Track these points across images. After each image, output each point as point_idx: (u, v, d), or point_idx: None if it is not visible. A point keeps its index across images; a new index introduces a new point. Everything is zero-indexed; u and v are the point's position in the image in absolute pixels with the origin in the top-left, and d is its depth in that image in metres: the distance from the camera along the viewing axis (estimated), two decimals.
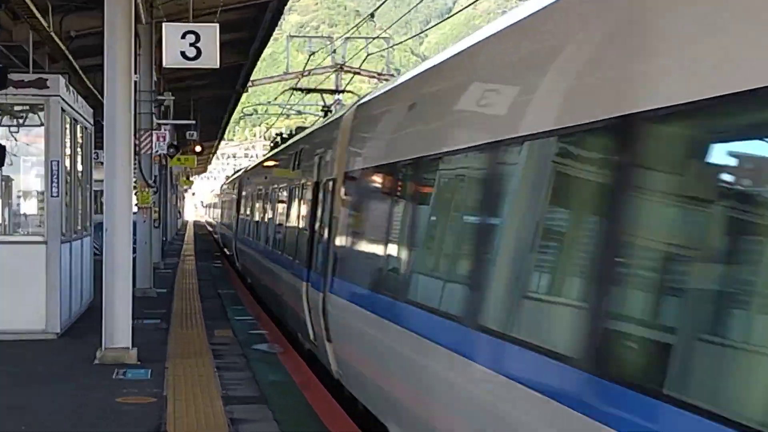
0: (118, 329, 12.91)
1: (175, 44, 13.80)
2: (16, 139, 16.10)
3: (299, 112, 56.57)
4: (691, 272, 4.19)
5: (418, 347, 7.44)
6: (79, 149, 17.34)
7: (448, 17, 42.07)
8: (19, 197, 16.83)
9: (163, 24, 14.37)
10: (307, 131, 18.25)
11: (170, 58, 13.88)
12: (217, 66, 14.09)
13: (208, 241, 53.35)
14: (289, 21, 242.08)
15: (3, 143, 15.60)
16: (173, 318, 17.82)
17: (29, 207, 16.77)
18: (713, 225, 4.04)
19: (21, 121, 16.36)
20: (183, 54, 13.79)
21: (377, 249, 9.33)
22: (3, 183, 16.19)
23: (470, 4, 32.03)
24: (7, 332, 14.28)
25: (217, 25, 14.27)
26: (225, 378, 12.15)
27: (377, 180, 9.86)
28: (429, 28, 60.32)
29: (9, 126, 16.16)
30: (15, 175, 16.55)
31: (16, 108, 16.00)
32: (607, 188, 4.75)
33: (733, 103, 3.78)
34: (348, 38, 39.05)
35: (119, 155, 13.05)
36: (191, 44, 13.76)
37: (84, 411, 10.13)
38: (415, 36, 56.82)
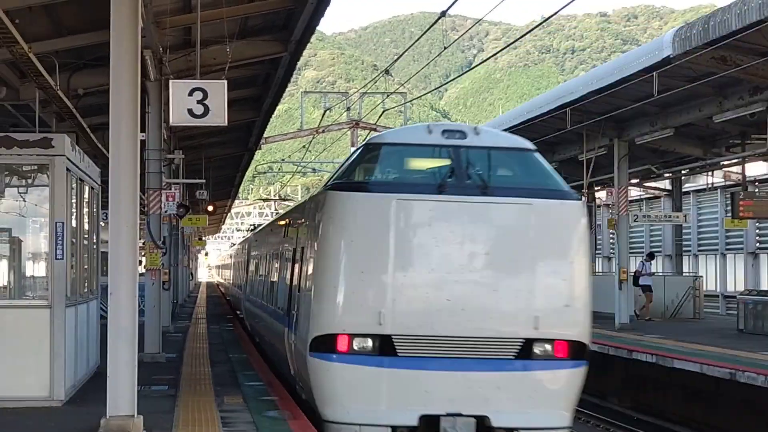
0: (122, 396, 12.40)
1: (182, 101, 13.46)
2: (24, 200, 15.80)
3: (314, 170, 56.49)
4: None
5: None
6: (85, 210, 17.01)
7: (468, 71, 41.77)
8: (28, 259, 16.44)
9: (170, 81, 14.01)
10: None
11: (177, 116, 13.53)
12: (226, 123, 13.72)
13: (220, 304, 53.08)
14: (305, 76, 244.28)
15: (10, 204, 15.47)
16: (182, 384, 17.34)
17: (38, 269, 16.38)
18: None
19: (29, 181, 16.04)
20: (190, 111, 13.43)
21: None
22: (11, 245, 15.85)
23: (490, 57, 31.84)
24: (10, 399, 13.86)
25: (225, 81, 13.91)
26: None
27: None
28: (448, 82, 60.26)
29: (18, 186, 15.85)
30: (23, 236, 16.19)
31: (24, 168, 15.68)
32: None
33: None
34: (364, 93, 38.86)
35: (124, 215, 12.63)
36: (198, 101, 13.42)
37: None
38: (434, 90, 56.62)
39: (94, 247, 18.08)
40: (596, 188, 40.03)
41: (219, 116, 13.48)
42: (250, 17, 21.74)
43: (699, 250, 45.86)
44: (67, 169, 14.67)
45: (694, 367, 20.37)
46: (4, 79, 18.42)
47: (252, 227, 49.56)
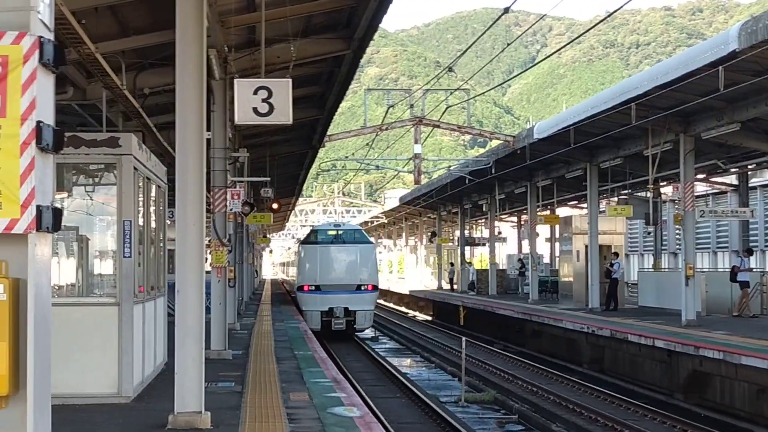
0: (190, 393, 12.53)
1: (247, 100, 13.52)
2: (91, 199, 15.90)
3: (378, 167, 56.57)
4: None
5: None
6: (152, 208, 17.13)
7: (532, 66, 41.51)
8: (94, 258, 16.57)
9: (235, 80, 14.07)
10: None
11: (242, 115, 13.59)
12: (290, 122, 13.76)
13: (285, 301, 53.48)
14: (367, 74, 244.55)
15: (78, 203, 15.61)
16: (248, 381, 17.42)
17: (105, 267, 16.51)
18: None
19: (96, 180, 16.16)
20: (255, 110, 13.49)
21: None
22: (79, 243, 15.98)
23: (554, 53, 31.63)
24: (79, 396, 13.97)
25: (290, 80, 13.96)
26: None
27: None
28: (511, 78, 60.03)
29: (84, 185, 15.98)
30: (91, 234, 16.31)
31: (91, 167, 15.80)
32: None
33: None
34: (427, 90, 38.76)
35: (191, 214, 12.75)
36: (263, 100, 13.47)
37: None
38: (497, 87, 56.38)
39: (161, 245, 18.19)
40: (662, 184, 39.60)
41: (284, 114, 13.52)
42: (313, 15, 21.77)
43: (766, 246, 45.22)
44: (135, 167, 14.78)
45: (762, 364, 20.09)
46: (71, 79, 18.56)
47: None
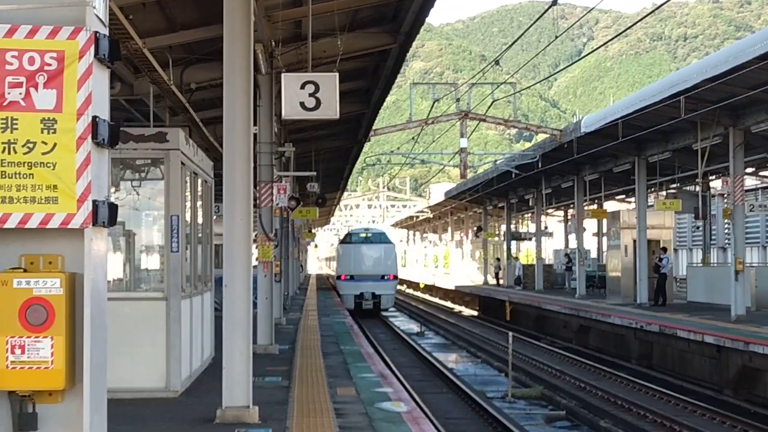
0: (238, 387, 12.54)
1: (294, 95, 13.49)
2: (138, 194, 15.94)
3: (423, 162, 56.45)
4: None
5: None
6: (199, 203, 17.16)
7: (578, 60, 41.29)
8: (141, 252, 16.63)
9: (282, 74, 14.06)
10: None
11: (289, 109, 13.56)
12: (337, 116, 13.73)
13: (331, 296, 54.01)
14: (412, 68, 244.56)
15: (124, 198, 15.68)
16: (294, 375, 17.43)
17: (152, 262, 16.56)
18: None
19: (143, 175, 16.20)
20: (302, 104, 13.46)
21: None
22: (126, 238, 16.03)
23: (601, 46, 31.43)
24: (127, 390, 13.98)
25: (337, 74, 13.92)
26: None
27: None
28: (558, 72, 59.73)
29: (131, 180, 16.02)
30: (137, 229, 16.36)
31: (138, 162, 15.84)
32: None
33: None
34: (473, 84, 38.64)
35: (238, 208, 12.75)
36: (310, 94, 13.44)
37: None
38: (543, 80, 56.18)
39: (208, 239, 18.23)
40: (711, 178, 39.26)
41: (330, 109, 13.49)
42: (359, 9, 21.76)
43: None
44: (182, 162, 14.80)
45: None
46: (119, 75, 18.67)
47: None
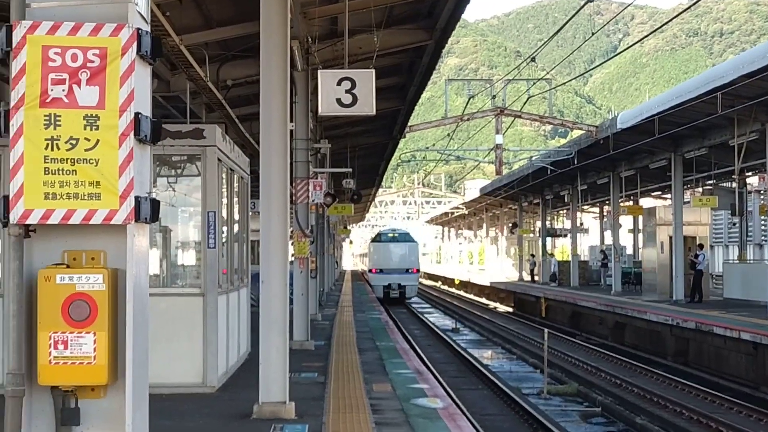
0: (275, 383, 12.59)
1: (330, 91, 13.49)
2: (174, 190, 16.00)
3: (458, 158, 56.47)
4: None
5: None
6: (236, 199, 17.22)
7: (614, 56, 41.09)
8: (177, 248, 16.70)
9: (319, 71, 14.07)
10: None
11: (326, 106, 13.57)
12: (374, 113, 13.72)
13: (366, 292, 54.64)
14: (447, 64, 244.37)
15: (160, 194, 15.74)
16: (330, 371, 17.46)
17: (188, 258, 16.63)
18: None
19: (179, 171, 16.27)
20: (339, 101, 13.46)
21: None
22: (162, 234, 16.10)
23: (637, 42, 31.28)
24: (165, 385, 14.04)
25: (373, 70, 13.91)
26: None
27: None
28: (593, 68, 59.47)
29: (167, 176, 16.09)
30: (173, 225, 16.44)
31: (174, 158, 15.91)
32: None
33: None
34: (509, 80, 38.54)
35: (275, 205, 12.79)
36: (347, 91, 13.43)
37: None
38: (578, 77, 55.88)
39: (244, 236, 18.28)
40: (747, 174, 39.00)
41: (367, 105, 13.48)
42: (395, 5, 21.74)
43: None
44: (219, 159, 14.85)
45: None
46: (156, 71, 18.74)
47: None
